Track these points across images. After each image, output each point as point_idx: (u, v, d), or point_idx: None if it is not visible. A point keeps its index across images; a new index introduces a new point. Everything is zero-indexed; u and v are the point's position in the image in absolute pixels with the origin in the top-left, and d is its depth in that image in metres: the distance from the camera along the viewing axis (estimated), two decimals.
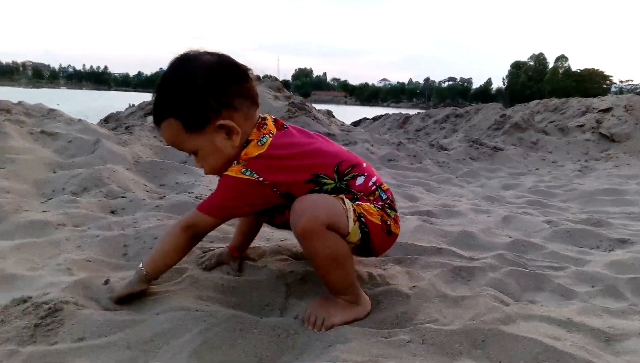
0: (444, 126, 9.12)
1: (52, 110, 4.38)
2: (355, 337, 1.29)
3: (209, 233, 1.53)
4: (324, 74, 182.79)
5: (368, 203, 1.43)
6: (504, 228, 2.59)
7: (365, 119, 12.82)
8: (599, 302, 1.64)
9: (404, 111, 12.44)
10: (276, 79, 7.98)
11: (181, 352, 1.16)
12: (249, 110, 1.41)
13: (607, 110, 8.06)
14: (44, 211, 2.24)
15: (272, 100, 6.83)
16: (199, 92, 1.33)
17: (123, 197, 2.58)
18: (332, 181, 1.42)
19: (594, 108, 8.39)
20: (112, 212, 2.41)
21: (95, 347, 1.16)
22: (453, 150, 6.09)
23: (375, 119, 12.25)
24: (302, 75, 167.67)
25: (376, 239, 1.44)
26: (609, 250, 2.25)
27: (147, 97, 9.41)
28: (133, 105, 8.09)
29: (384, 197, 1.49)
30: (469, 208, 2.97)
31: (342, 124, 7.43)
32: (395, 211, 1.53)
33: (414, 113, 10.90)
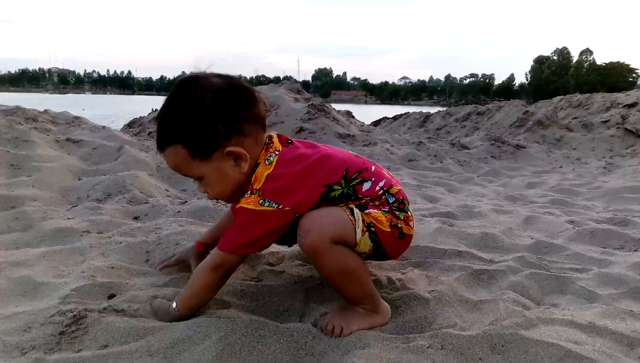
0: (465, 124, 9.05)
1: (77, 117, 4.48)
2: (373, 343, 1.30)
3: None
4: (344, 73, 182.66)
5: (376, 210, 1.40)
6: (525, 229, 2.56)
7: (385, 118, 12.79)
8: (622, 305, 1.61)
9: (424, 109, 12.37)
10: (296, 81, 8.01)
11: (202, 359, 1.18)
12: (258, 134, 1.38)
13: (632, 105, 7.89)
14: (69, 219, 2.29)
15: (292, 102, 6.86)
16: (208, 118, 1.29)
17: (146, 203, 2.63)
18: (340, 187, 1.39)
19: (618, 103, 8.22)
20: (135, 218, 2.46)
21: (119, 353, 1.19)
22: (474, 149, 6.04)
23: (395, 118, 12.20)
24: (322, 75, 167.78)
25: (388, 246, 1.42)
26: (634, 251, 2.21)
27: None
28: (156, 110, 8.22)
29: (391, 201, 1.44)
30: (491, 209, 2.94)
31: (362, 124, 7.41)
32: (406, 212, 1.46)
33: (434, 111, 10.84)
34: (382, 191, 1.43)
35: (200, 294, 1.39)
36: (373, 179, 1.44)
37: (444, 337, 1.31)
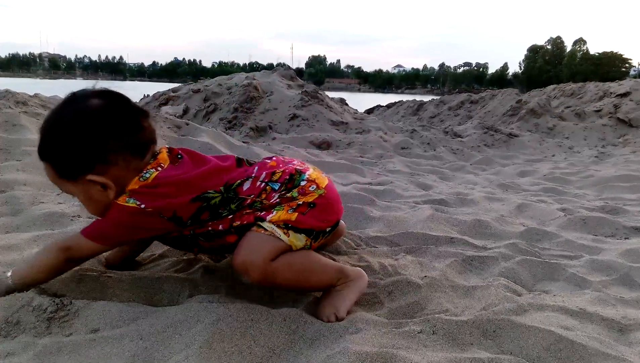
0: (458, 112, 9.05)
1: None
2: (365, 327, 1.30)
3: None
4: (338, 61, 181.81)
5: (270, 215, 1.37)
6: (518, 216, 2.57)
7: (379, 106, 12.76)
8: (613, 292, 1.62)
9: (418, 98, 12.36)
10: (289, 68, 7.96)
11: (193, 343, 1.17)
12: (131, 162, 1.34)
13: (625, 94, 7.92)
14: (59, 203, 2.27)
15: (285, 89, 6.82)
16: (72, 144, 1.28)
17: None
18: (219, 194, 1.36)
19: (611, 93, 8.25)
20: None
21: (110, 338, 1.18)
22: (467, 137, 6.04)
23: (389, 106, 12.18)
24: (316, 62, 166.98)
25: (310, 221, 1.39)
26: (625, 238, 2.23)
27: (162, 87, 9.46)
28: (148, 95, 8.14)
29: (277, 187, 1.41)
30: (483, 196, 2.95)
31: (356, 112, 7.39)
32: (297, 186, 1.42)
33: (428, 100, 10.82)
34: (263, 184, 1.40)
35: (40, 271, 1.36)
36: (253, 176, 1.41)
37: (435, 322, 1.31)
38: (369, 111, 12.09)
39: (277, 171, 1.43)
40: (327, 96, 7.11)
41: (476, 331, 1.29)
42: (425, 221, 2.24)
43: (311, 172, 1.48)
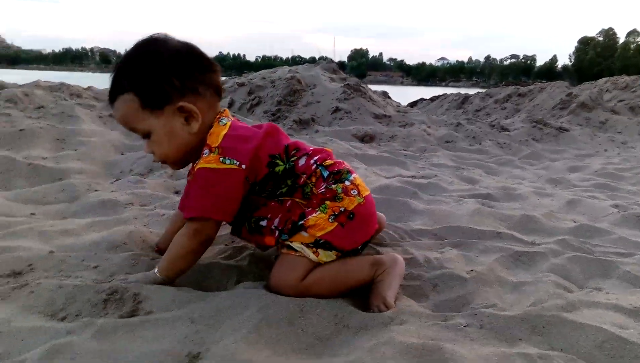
0: (505, 105, 8.82)
1: None
2: (411, 319, 1.30)
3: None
4: (380, 54, 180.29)
5: (314, 214, 1.38)
6: (568, 212, 2.49)
7: (422, 99, 12.58)
8: None
9: (463, 91, 12.11)
10: (332, 61, 7.95)
11: (241, 327, 1.20)
12: (212, 100, 1.38)
13: None
14: (113, 191, 2.36)
15: (328, 82, 6.82)
16: (163, 69, 1.29)
17: (187, 178, 2.68)
18: (282, 163, 1.41)
19: None
20: (176, 192, 2.51)
21: (163, 320, 1.22)
22: (515, 131, 5.89)
23: (432, 99, 12.00)
24: (358, 56, 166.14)
25: (342, 241, 1.40)
26: None
27: None
28: None
29: (326, 174, 1.43)
30: (531, 191, 2.88)
31: (398, 105, 7.32)
32: (343, 182, 1.43)
33: (473, 93, 10.59)
34: (315, 165, 1.43)
35: (178, 261, 1.38)
36: (309, 153, 1.45)
37: (482, 316, 1.30)
38: (412, 104, 11.94)
39: (329, 159, 1.47)
40: (370, 89, 7.07)
41: (525, 326, 1.26)
42: (471, 215, 2.21)
43: (356, 176, 1.51)
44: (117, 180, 2.60)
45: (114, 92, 1.32)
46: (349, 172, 1.48)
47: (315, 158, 1.45)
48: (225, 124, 1.37)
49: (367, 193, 1.49)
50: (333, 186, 1.42)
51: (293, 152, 1.44)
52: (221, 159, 1.30)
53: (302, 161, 1.43)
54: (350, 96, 6.28)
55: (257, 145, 1.36)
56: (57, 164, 2.64)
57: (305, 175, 1.42)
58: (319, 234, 1.38)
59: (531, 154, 4.95)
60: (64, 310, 1.27)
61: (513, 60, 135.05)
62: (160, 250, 1.70)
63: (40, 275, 1.46)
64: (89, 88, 4.57)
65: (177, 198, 2.34)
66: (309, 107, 6.23)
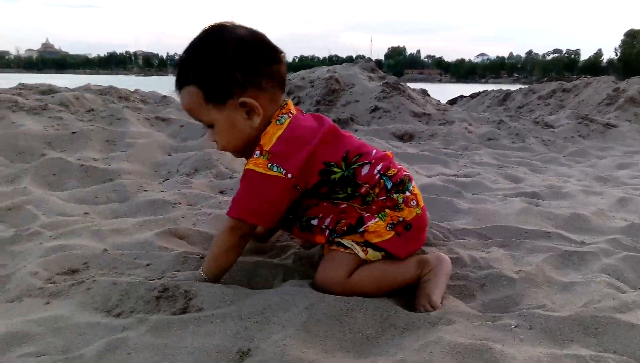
0: (549, 102, 8.58)
1: (164, 97, 4.70)
2: (458, 319, 1.29)
3: None
4: (418, 51, 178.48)
5: (373, 220, 1.38)
6: (619, 210, 2.41)
7: (462, 97, 12.36)
8: None
9: (504, 87, 11.85)
10: (369, 60, 7.93)
11: (290, 325, 1.22)
12: (275, 93, 1.37)
13: None
14: (161, 191, 2.43)
15: (366, 81, 6.80)
16: (228, 64, 1.29)
17: (230, 178, 2.74)
18: (340, 171, 1.38)
19: None
20: (221, 192, 2.56)
21: (213, 317, 1.26)
22: (560, 127, 5.73)
23: (472, 96, 11.77)
24: (395, 54, 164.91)
25: (397, 249, 1.41)
26: None
27: None
28: None
29: (389, 186, 1.41)
30: (579, 189, 2.80)
31: (438, 103, 7.23)
32: (404, 192, 1.42)
33: (515, 89, 10.35)
34: (379, 174, 1.41)
35: (220, 258, 1.41)
36: (372, 161, 1.41)
37: (532, 317, 1.28)
38: (452, 102, 11.75)
39: (393, 168, 1.45)
40: (409, 87, 7.01)
41: (577, 327, 1.24)
42: (517, 214, 2.17)
43: (414, 183, 1.50)
44: (165, 180, 2.67)
45: (180, 81, 1.35)
46: (410, 180, 1.48)
47: (379, 167, 1.42)
48: (282, 124, 1.36)
49: (422, 203, 1.49)
50: (394, 195, 1.41)
51: (355, 158, 1.40)
52: (269, 165, 1.30)
53: (365, 171, 1.40)
54: (389, 95, 6.25)
55: (310, 153, 1.34)
56: (108, 165, 2.74)
57: (368, 185, 1.40)
58: (376, 240, 1.38)
59: (577, 151, 4.80)
60: (119, 307, 1.32)
61: (556, 55, 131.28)
62: (258, 236, 1.72)
63: (96, 272, 1.53)
64: (136, 91, 4.72)
65: (223, 198, 2.39)
66: (348, 107, 6.23)
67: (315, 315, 1.26)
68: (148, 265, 1.58)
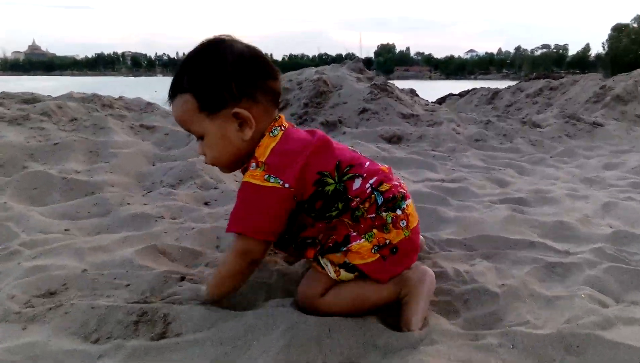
0: (536, 100, 8.62)
1: (149, 103, 4.66)
2: (441, 339, 1.28)
3: None
4: (407, 48, 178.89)
5: (358, 240, 1.36)
6: (604, 216, 2.42)
7: (451, 95, 12.39)
8: None
9: (493, 83, 11.90)
10: (358, 60, 7.91)
11: (269, 349, 1.21)
12: (269, 107, 1.37)
13: None
14: (144, 204, 2.40)
15: (355, 82, 6.79)
16: (224, 74, 1.29)
17: (215, 188, 2.71)
18: (333, 182, 1.36)
19: None
20: (206, 203, 2.54)
21: (192, 341, 1.24)
22: (547, 127, 5.75)
23: (461, 95, 11.80)
24: (385, 51, 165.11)
25: (380, 274, 1.39)
26: None
27: None
28: None
29: (380, 202, 1.38)
30: (565, 194, 2.80)
31: (427, 103, 7.23)
32: (395, 211, 1.39)
33: (503, 87, 10.39)
34: (370, 189, 1.38)
35: (227, 282, 1.39)
36: (364, 175, 1.39)
37: (515, 335, 1.27)
38: (441, 101, 11.77)
39: (386, 183, 1.41)
40: (397, 87, 7.00)
41: (559, 346, 1.23)
42: (502, 223, 2.16)
43: (409, 202, 1.46)
44: (148, 192, 2.64)
45: (174, 89, 1.34)
46: (404, 198, 1.43)
47: (371, 181, 1.39)
48: (275, 136, 1.36)
49: (415, 223, 1.45)
50: (384, 214, 1.38)
51: (346, 169, 1.38)
52: (265, 176, 1.29)
53: (356, 185, 1.37)
54: (377, 96, 6.24)
55: (304, 163, 1.33)
56: (91, 177, 2.70)
57: (358, 199, 1.37)
58: (357, 262, 1.36)
59: (564, 151, 4.82)
60: (97, 332, 1.30)
61: (544, 50, 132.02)
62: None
63: (75, 294, 1.50)
64: (120, 98, 4.67)
65: (207, 210, 2.37)
66: (336, 109, 6.22)
67: (296, 338, 1.24)
68: (128, 285, 1.55)
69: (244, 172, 1.39)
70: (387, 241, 1.37)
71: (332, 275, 1.37)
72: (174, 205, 2.37)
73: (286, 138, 1.36)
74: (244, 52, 1.34)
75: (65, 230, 2.05)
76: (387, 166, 1.52)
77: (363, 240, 1.36)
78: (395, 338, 1.29)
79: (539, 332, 1.29)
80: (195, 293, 1.42)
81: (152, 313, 1.34)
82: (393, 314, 1.42)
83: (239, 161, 1.41)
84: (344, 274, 1.38)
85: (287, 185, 1.30)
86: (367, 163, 1.44)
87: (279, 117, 1.41)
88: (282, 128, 1.39)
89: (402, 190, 1.45)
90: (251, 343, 1.24)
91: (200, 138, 1.37)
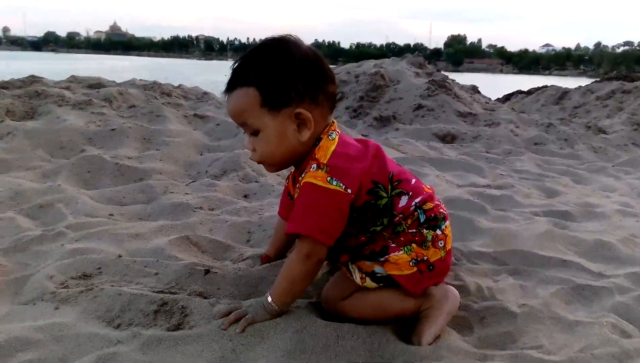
0: (607, 103, 8.14)
1: (206, 93, 4.81)
2: (448, 355, 1.28)
3: None
4: (479, 40, 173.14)
5: (397, 252, 1.37)
6: None
7: (518, 92, 11.92)
8: None
9: (569, 80, 11.37)
10: (419, 55, 7.78)
11: (276, 350, 1.25)
12: (327, 111, 1.37)
13: None
14: (186, 194, 2.50)
15: (413, 77, 6.69)
16: (292, 72, 1.29)
17: (256, 181, 2.78)
18: (386, 196, 1.36)
19: None
20: (245, 196, 2.61)
21: (203, 335, 1.30)
22: (613, 134, 5.45)
23: (529, 92, 11.31)
24: (455, 42, 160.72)
25: (415, 287, 1.39)
26: None
27: None
28: None
29: (422, 220, 1.40)
30: (616, 209, 2.66)
31: (487, 101, 7.01)
32: (435, 230, 1.41)
33: (573, 87, 9.88)
34: (414, 207, 1.39)
35: (297, 286, 1.35)
36: (410, 193, 1.40)
37: (523, 360, 1.26)
38: (507, 98, 11.37)
39: (430, 202, 1.44)
40: (458, 84, 6.84)
41: None
42: (538, 238, 2.09)
43: (448, 224, 1.48)
44: (192, 181, 2.75)
45: (235, 82, 1.32)
46: (445, 219, 1.46)
47: (417, 200, 1.41)
48: (334, 139, 1.35)
49: (450, 246, 1.47)
50: (425, 231, 1.40)
51: (396, 183, 1.39)
52: (328, 178, 1.27)
53: (402, 202, 1.39)
54: (434, 93, 6.12)
55: (366, 170, 1.34)
56: (141, 164, 2.84)
57: (402, 215, 1.39)
58: (393, 272, 1.37)
59: (629, 161, 4.56)
60: (120, 318, 1.38)
61: (626, 47, 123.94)
62: (268, 259, 1.72)
63: (106, 279, 1.60)
64: (179, 86, 4.84)
65: (245, 203, 2.44)
66: (391, 104, 6.16)
67: (304, 341, 1.28)
68: (156, 274, 1.64)
69: (301, 174, 1.36)
70: (425, 258, 1.39)
71: (358, 281, 1.40)
72: (214, 196, 2.46)
73: (344, 143, 1.36)
74: (308, 53, 1.34)
75: (110, 214, 2.18)
76: (430, 186, 1.53)
77: (402, 252, 1.38)
78: (402, 351, 1.30)
79: (550, 358, 1.26)
80: (262, 307, 1.34)
81: (171, 304, 1.41)
82: (408, 325, 1.43)
83: (289, 161, 1.40)
84: (368, 282, 1.40)
85: (349, 191, 1.29)
86: (414, 180, 1.46)
87: (333, 122, 1.41)
88: (338, 133, 1.39)
89: (442, 211, 1.47)
90: (259, 342, 1.29)
91: (254, 133, 1.35)
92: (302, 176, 1.33)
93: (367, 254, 1.40)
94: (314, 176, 1.29)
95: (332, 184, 1.27)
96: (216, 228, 2.10)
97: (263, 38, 1.39)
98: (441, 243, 1.42)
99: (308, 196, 1.29)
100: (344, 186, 1.28)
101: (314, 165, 1.30)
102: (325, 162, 1.30)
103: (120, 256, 1.75)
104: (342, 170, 1.29)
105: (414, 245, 1.39)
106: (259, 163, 1.43)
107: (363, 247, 1.41)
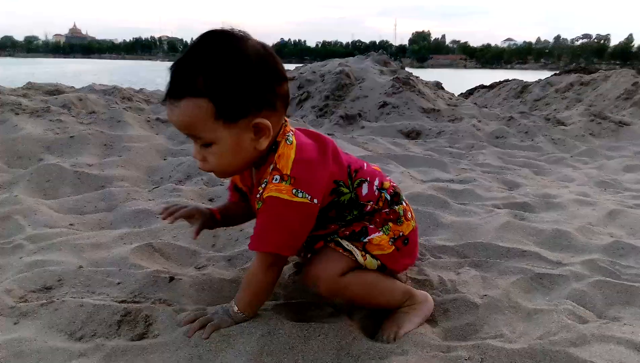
0: (566, 95, 8.41)
1: None
2: (412, 350, 1.30)
3: None
4: (443, 36, 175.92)
5: (376, 233, 1.39)
6: (607, 224, 2.37)
7: (480, 87, 12.19)
8: None
9: (530, 73, 11.65)
10: (383, 53, 7.86)
11: (242, 355, 1.25)
12: (282, 113, 1.27)
13: None
14: (149, 200, 2.47)
15: (377, 75, 6.76)
16: (249, 78, 1.16)
17: (221, 185, 2.76)
18: (348, 191, 1.36)
19: None
20: (210, 200, 2.59)
21: (168, 343, 1.28)
22: (571, 125, 5.62)
23: (491, 87, 11.59)
24: (420, 39, 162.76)
25: (395, 264, 1.44)
26: None
27: None
28: None
29: (389, 198, 1.45)
30: (573, 199, 2.75)
31: (451, 97, 7.14)
32: (400, 203, 1.48)
33: (533, 81, 10.14)
34: (377, 190, 1.43)
35: (260, 297, 1.37)
36: (368, 179, 1.42)
37: (485, 349, 1.28)
38: (469, 93, 11.60)
39: (386, 181, 1.49)
40: (421, 81, 6.94)
41: (528, 362, 1.24)
42: (498, 230, 2.14)
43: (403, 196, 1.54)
44: (155, 187, 2.71)
45: (182, 90, 1.15)
46: (401, 191, 1.53)
47: (376, 183, 1.43)
48: (292, 143, 1.27)
49: (413, 223, 1.52)
50: (395, 207, 1.46)
51: (354, 174, 1.38)
52: (294, 191, 1.21)
53: (365, 190, 1.39)
54: (398, 90, 6.20)
55: (329, 176, 1.31)
56: (102, 171, 2.79)
57: (372, 202, 1.41)
58: (376, 253, 1.39)
59: (586, 151, 4.71)
60: (82, 330, 1.36)
61: (585, 40, 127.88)
62: (222, 214, 1.61)
63: (67, 290, 1.57)
64: (141, 90, 4.77)
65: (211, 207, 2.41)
66: (357, 102, 6.22)
67: (271, 343, 1.28)
68: (119, 283, 1.61)
69: (260, 177, 1.31)
70: (401, 234, 1.44)
71: (360, 258, 1.37)
72: (178, 202, 2.43)
73: (302, 147, 1.28)
74: (261, 52, 1.20)
75: (70, 224, 2.13)
76: (377, 165, 1.57)
77: (381, 233, 1.41)
78: (368, 347, 1.31)
79: (511, 346, 1.29)
80: (228, 315, 1.34)
81: (135, 314, 1.39)
82: (375, 322, 1.45)
83: (243, 169, 1.34)
84: (369, 259, 1.39)
85: (315, 201, 1.25)
86: (365, 165, 1.47)
87: (286, 120, 1.32)
88: (292, 132, 1.31)
89: (395, 185, 1.52)
90: (225, 348, 1.28)
91: (207, 144, 1.21)
92: (263, 186, 1.27)
93: (347, 235, 1.40)
94: (278, 189, 1.22)
95: (297, 196, 1.22)
96: (180, 234, 2.07)
97: (203, 32, 1.20)
98: (410, 214, 1.49)
99: (272, 211, 1.24)
100: (310, 197, 1.23)
101: (277, 176, 1.23)
102: (288, 173, 1.23)
103: (81, 266, 1.72)
104: (306, 181, 1.24)
105: (390, 224, 1.43)
106: (209, 172, 1.32)
107: (338, 231, 1.41)
